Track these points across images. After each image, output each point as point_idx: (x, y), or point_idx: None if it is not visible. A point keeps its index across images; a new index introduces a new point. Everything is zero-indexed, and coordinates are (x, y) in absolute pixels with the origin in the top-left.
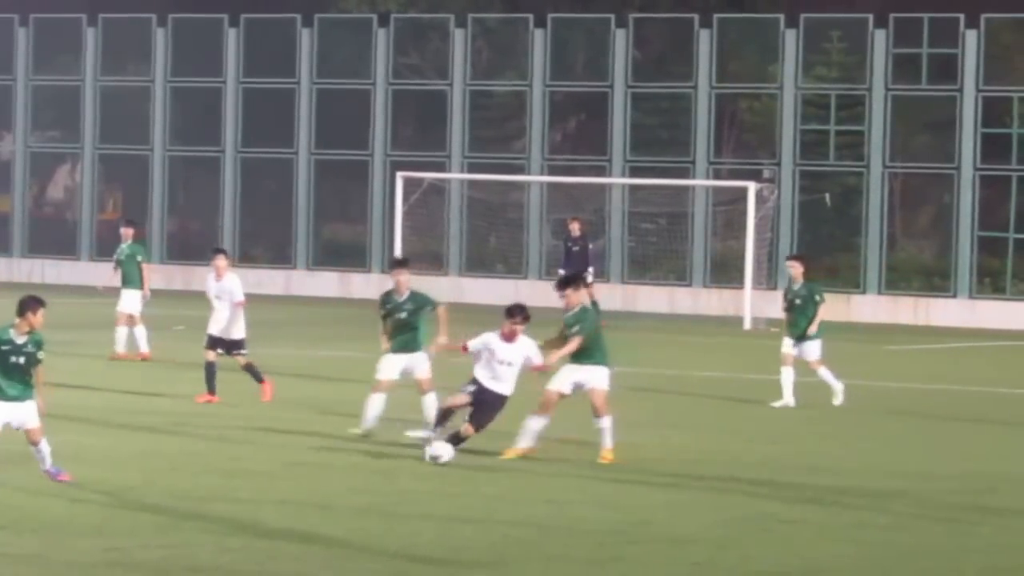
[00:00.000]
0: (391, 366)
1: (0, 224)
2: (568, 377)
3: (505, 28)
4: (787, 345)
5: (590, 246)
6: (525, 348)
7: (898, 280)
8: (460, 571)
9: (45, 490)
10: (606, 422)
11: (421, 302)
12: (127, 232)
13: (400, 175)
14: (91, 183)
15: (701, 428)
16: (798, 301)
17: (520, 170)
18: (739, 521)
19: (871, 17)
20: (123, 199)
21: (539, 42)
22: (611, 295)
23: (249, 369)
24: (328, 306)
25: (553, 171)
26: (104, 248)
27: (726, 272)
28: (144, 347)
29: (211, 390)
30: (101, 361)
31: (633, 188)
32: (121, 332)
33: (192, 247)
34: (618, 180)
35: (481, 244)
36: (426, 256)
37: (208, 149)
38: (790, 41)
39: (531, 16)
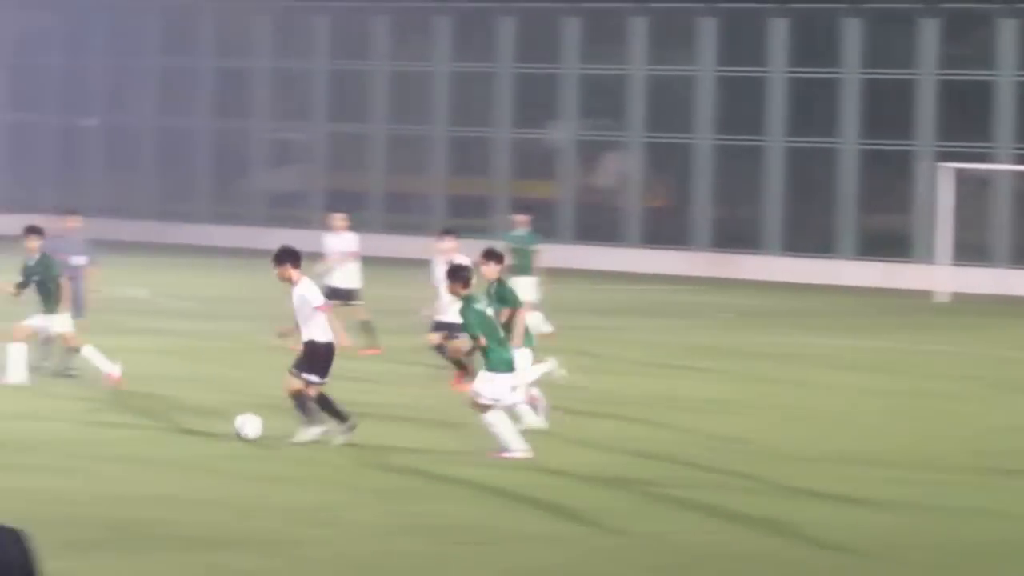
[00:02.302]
0: None
1: (544, 210)
2: None
3: None
4: None
5: None
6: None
7: None
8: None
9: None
10: None
11: None
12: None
13: (944, 166)
14: (639, 171)
15: None
16: None
17: None
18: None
19: None
20: (668, 187)
21: None
22: None
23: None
24: (871, 296)
25: None
26: (649, 235)
27: None
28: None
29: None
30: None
31: None
32: None
33: (735, 235)
34: None
35: None
36: (969, 248)
37: (753, 138)
38: None
39: None
